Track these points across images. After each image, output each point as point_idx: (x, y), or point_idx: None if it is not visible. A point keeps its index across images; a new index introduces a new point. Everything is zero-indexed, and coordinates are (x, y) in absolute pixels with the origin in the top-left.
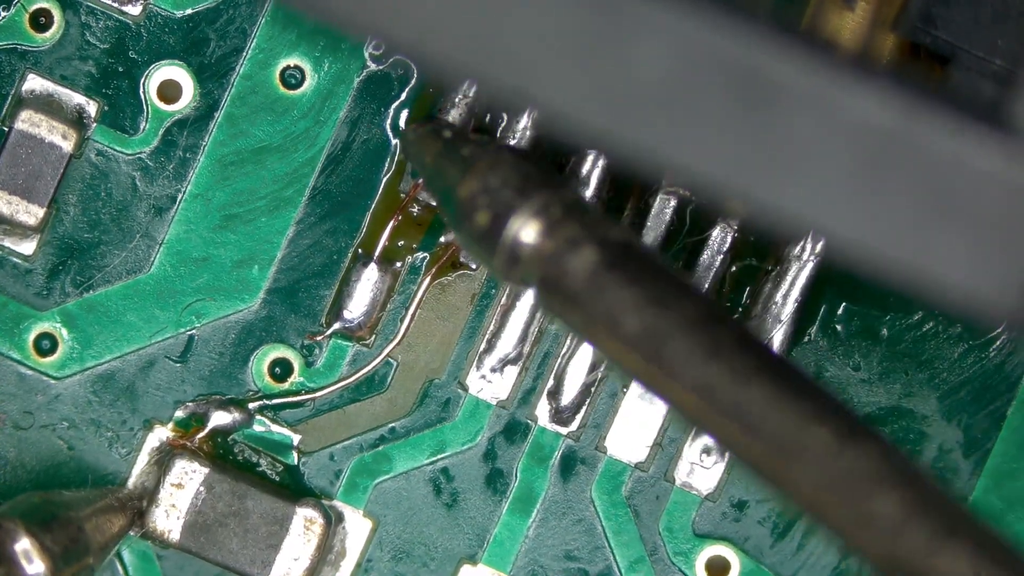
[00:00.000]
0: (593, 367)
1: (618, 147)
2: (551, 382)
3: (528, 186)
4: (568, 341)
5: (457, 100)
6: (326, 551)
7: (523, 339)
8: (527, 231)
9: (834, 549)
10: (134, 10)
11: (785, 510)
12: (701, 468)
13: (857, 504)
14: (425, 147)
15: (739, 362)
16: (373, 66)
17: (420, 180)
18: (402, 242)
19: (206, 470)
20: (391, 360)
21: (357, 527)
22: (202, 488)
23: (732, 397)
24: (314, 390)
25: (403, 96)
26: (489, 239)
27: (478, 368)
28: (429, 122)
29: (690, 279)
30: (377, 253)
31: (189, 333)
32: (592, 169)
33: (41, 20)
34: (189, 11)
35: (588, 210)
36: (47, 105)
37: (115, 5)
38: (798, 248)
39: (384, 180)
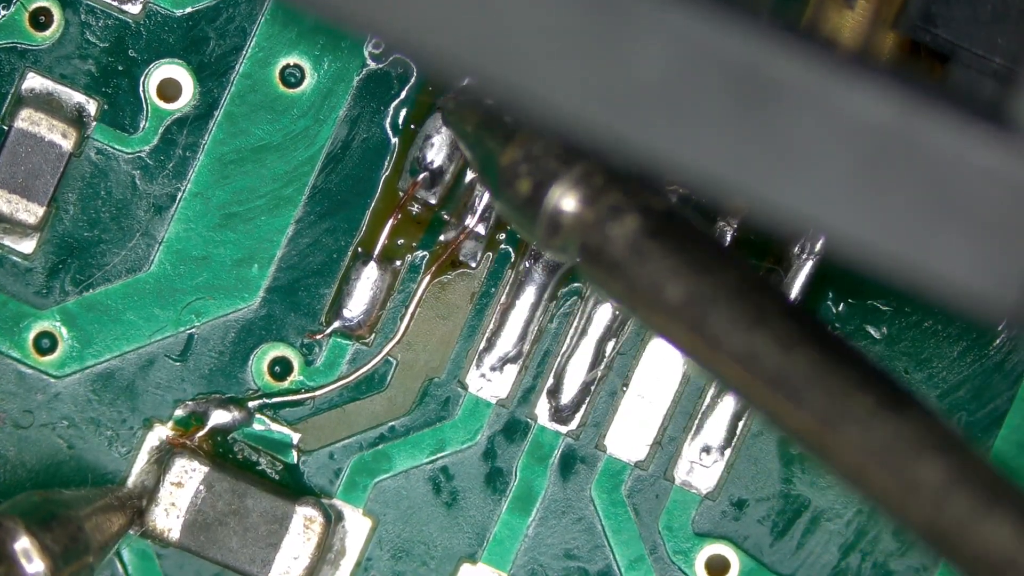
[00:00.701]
0: (593, 366)
1: (617, 145)
2: (551, 381)
3: (570, 154)
4: (568, 340)
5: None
6: (326, 550)
7: (523, 338)
8: (569, 199)
9: (834, 548)
10: (134, 9)
11: (832, 479)
12: (701, 467)
13: (901, 471)
14: (465, 116)
15: (783, 329)
16: (373, 64)
17: (419, 178)
18: (402, 240)
19: (206, 469)
20: (391, 359)
21: (357, 526)
22: (202, 487)
23: (776, 364)
24: (314, 389)
25: (403, 95)
26: (530, 207)
27: (478, 367)
28: (469, 91)
29: (731, 248)
30: (377, 252)
31: (189, 332)
32: None
33: (41, 19)
34: (189, 10)
35: (630, 178)
36: (47, 104)
37: (115, 4)
38: (798, 247)
39: (383, 179)
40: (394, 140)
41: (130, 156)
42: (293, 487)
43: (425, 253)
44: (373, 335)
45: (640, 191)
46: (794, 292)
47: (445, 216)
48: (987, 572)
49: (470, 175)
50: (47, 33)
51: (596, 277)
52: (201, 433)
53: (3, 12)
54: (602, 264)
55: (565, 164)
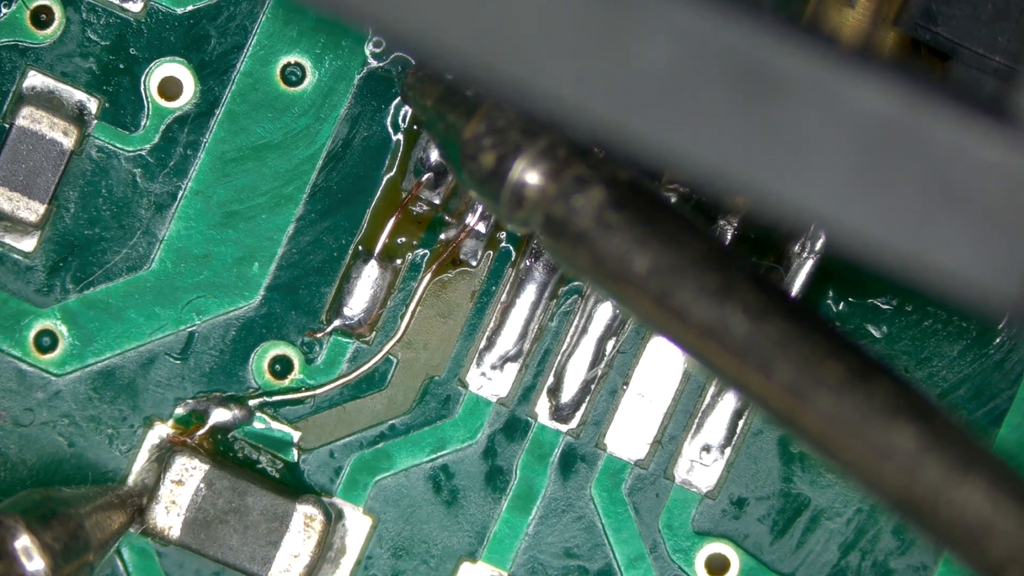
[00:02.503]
0: (593, 364)
1: (620, 138)
2: (551, 379)
3: (533, 127)
4: (568, 338)
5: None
6: (326, 548)
7: (523, 336)
8: (533, 172)
9: (834, 547)
10: (135, 7)
11: (803, 450)
12: (701, 465)
13: (874, 438)
14: (426, 90)
15: (751, 299)
16: (374, 63)
17: (423, 179)
18: (402, 239)
19: (206, 467)
20: (391, 357)
21: (357, 524)
22: (202, 485)
23: (745, 334)
24: (314, 387)
25: None
26: (494, 180)
27: (478, 365)
28: (429, 65)
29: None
30: (377, 250)
31: (189, 330)
32: None
33: (42, 17)
34: (190, 8)
35: (593, 151)
36: (48, 102)
37: (116, 2)
38: (799, 244)
39: (384, 177)
40: (395, 139)
41: (131, 154)
42: (293, 485)
43: (426, 252)
44: (374, 333)
45: (604, 163)
46: (795, 290)
47: (446, 216)
48: (964, 538)
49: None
50: (48, 31)
51: (561, 250)
52: (201, 431)
53: (4, 10)
54: (567, 236)
55: (528, 137)
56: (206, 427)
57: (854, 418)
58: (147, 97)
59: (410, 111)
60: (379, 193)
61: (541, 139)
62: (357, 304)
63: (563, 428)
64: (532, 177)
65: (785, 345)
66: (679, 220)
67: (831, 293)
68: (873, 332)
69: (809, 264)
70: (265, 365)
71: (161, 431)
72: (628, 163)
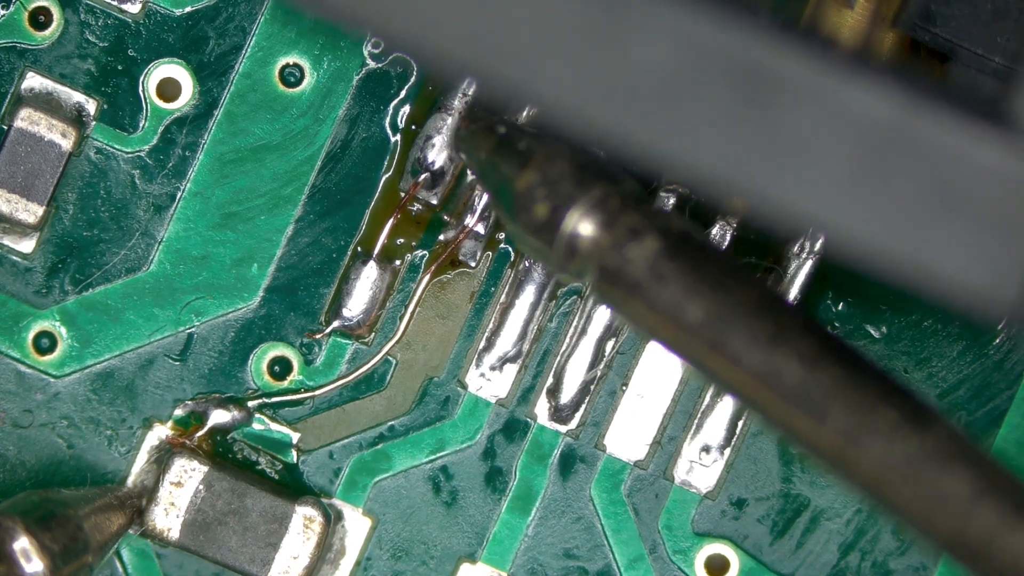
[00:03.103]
0: (592, 365)
1: (618, 142)
2: (550, 380)
3: (586, 178)
4: (567, 339)
5: (457, 97)
6: (325, 549)
7: (522, 337)
8: (586, 222)
9: (833, 547)
10: (133, 8)
11: (854, 495)
12: (700, 466)
13: (928, 484)
14: (479, 142)
15: (804, 346)
16: (372, 64)
17: (420, 179)
18: (401, 240)
19: (205, 468)
20: (390, 358)
21: (356, 525)
22: (201, 486)
23: (798, 381)
24: (313, 388)
25: (403, 94)
26: (547, 232)
27: (477, 366)
28: (481, 118)
29: (748, 268)
30: (376, 251)
31: (188, 331)
32: None
33: (40, 18)
34: (188, 9)
35: (645, 201)
36: (46, 103)
37: (114, 3)
38: (797, 246)
39: (383, 178)
40: (394, 139)
41: (130, 156)
42: (293, 487)
43: (425, 252)
44: (373, 335)
45: (657, 213)
46: (794, 291)
47: (445, 216)
48: None
49: (470, 175)
50: (47, 33)
51: (614, 299)
52: (201, 433)
53: (3, 12)
54: (621, 286)
55: (581, 188)
56: (205, 428)
57: (908, 464)
58: (146, 98)
59: (409, 111)
60: (378, 194)
61: (594, 190)
62: (356, 305)
63: (562, 429)
64: (585, 228)
65: (838, 391)
66: (731, 268)
67: (830, 294)
68: (872, 332)
69: (808, 265)
70: (264, 366)
71: (160, 432)
72: (679, 214)
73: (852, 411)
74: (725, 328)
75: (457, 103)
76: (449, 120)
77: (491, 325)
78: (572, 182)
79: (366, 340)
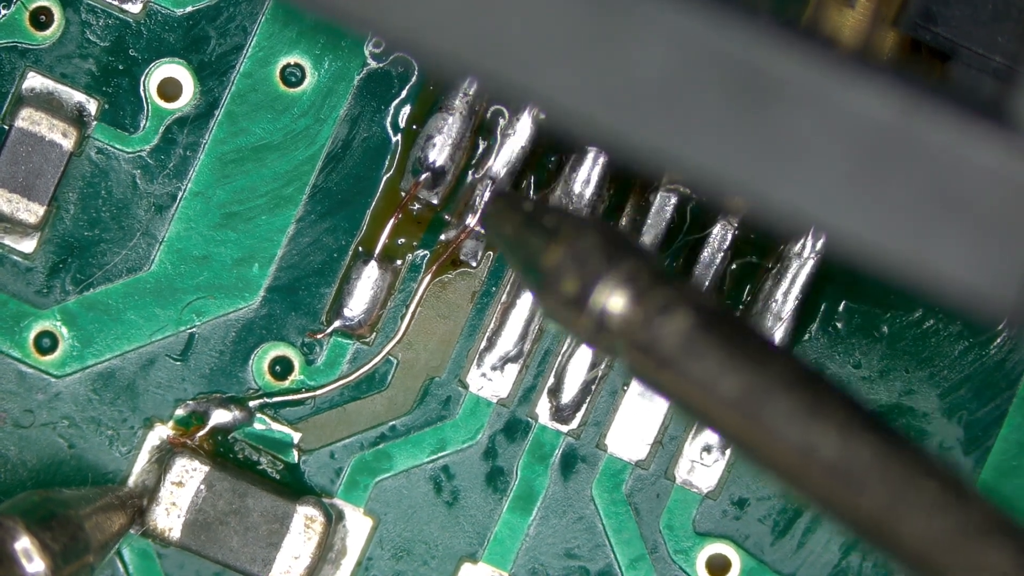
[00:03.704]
0: (593, 365)
1: (619, 144)
2: (552, 380)
3: (615, 253)
4: (568, 339)
5: (458, 97)
6: (326, 549)
7: (523, 337)
8: (616, 298)
9: (835, 547)
10: (134, 8)
11: (889, 566)
12: (701, 466)
13: (970, 556)
14: (506, 218)
15: (841, 418)
16: (373, 64)
17: (420, 178)
18: (402, 240)
19: (206, 468)
20: (391, 358)
21: (357, 525)
22: (202, 486)
23: (837, 454)
24: (314, 388)
25: (403, 94)
26: (576, 307)
27: (478, 366)
28: (507, 195)
29: (779, 345)
30: (377, 251)
31: (189, 331)
32: (593, 167)
33: (41, 18)
34: (189, 9)
35: (674, 277)
36: (47, 103)
37: (115, 3)
38: (799, 246)
39: (384, 178)
40: (395, 139)
41: (131, 155)
42: (294, 486)
43: (426, 252)
44: (374, 334)
45: (687, 288)
46: (795, 291)
47: (446, 216)
48: None
49: (471, 175)
50: (48, 32)
51: (645, 373)
52: (202, 432)
53: (4, 11)
54: (652, 361)
55: (610, 263)
56: (206, 428)
57: (950, 537)
58: (147, 98)
59: (410, 111)
60: (379, 194)
61: (623, 264)
62: (357, 305)
63: (564, 429)
64: (615, 303)
65: (877, 464)
66: (763, 342)
67: (832, 294)
68: (874, 332)
69: (810, 265)
70: (265, 366)
71: (161, 432)
72: (707, 290)
73: (891, 484)
74: (761, 402)
75: (458, 103)
76: (450, 119)
77: (492, 325)
78: (601, 257)
79: (367, 340)
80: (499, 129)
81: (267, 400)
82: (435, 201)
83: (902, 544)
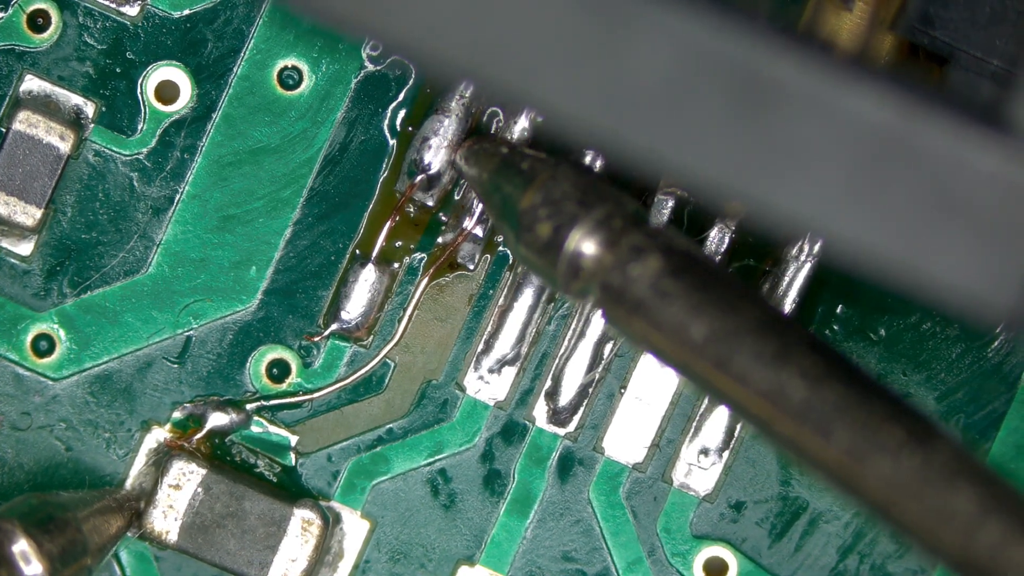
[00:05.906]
0: (591, 368)
1: (616, 147)
2: (549, 383)
3: (589, 197)
4: (566, 342)
5: (455, 100)
6: (324, 552)
7: (521, 340)
8: (589, 241)
9: (832, 550)
10: (132, 11)
11: (859, 513)
12: (699, 469)
13: (935, 501)
14: (481, 164)
15: (809, 364)
16: (371, 67)
17: (416, 180)
18: (399, 243)
19: (204, 471)
20: (389, 361)
21: (355, 528)
22: (200, 489)
23: (804, 399)
24: (312, 391)
25: (401, 97)
26: (550, 251)
27: (476, 369)
28: (483, 139)
29: (752, 287)
30: (374, 254)
31: (187, 334)
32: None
33: (39, 21)
34: (187, 12)
35: (648, 220)
36: (44, 106)
37: (112, 6)
38: (796, 249)
39: (381, 181)
40: (392, 142)
41: (128, 158)
42: (291, 489)
43: (423, 255)
44: (371, 337)
45: (660, 232)
46: (792, 294)
47: (443, 218)
48: None
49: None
50: (45, 35)
51: (617, 318)
52: (199, 435)
53: (1, 14)
54: (624, 305)
55: (584, 207)
56: (203, 431)
57: (914, 481)
58: (144, 101)
59: (407, 114)
60: (376, 197)
61: (597, 209)
62: (354, 308)
63: (561, 432)
64: (588, 247)
65: (843, 409)
66: (734, 287)
67: (828, 297)
68: (871, 335)
69: (807, 268)
70: (262, 369)
71: (158, 435)
72: (682, 232)
73: (857, 429)
74: (729, 347)
75: (454, 105)
76: (446, 122)
77: (489, 328)
78: (575, 202)
79: (364, 343)
80: (495, 131)
81: (264, 403)
82: (430, 203)
83: (868, 488)
